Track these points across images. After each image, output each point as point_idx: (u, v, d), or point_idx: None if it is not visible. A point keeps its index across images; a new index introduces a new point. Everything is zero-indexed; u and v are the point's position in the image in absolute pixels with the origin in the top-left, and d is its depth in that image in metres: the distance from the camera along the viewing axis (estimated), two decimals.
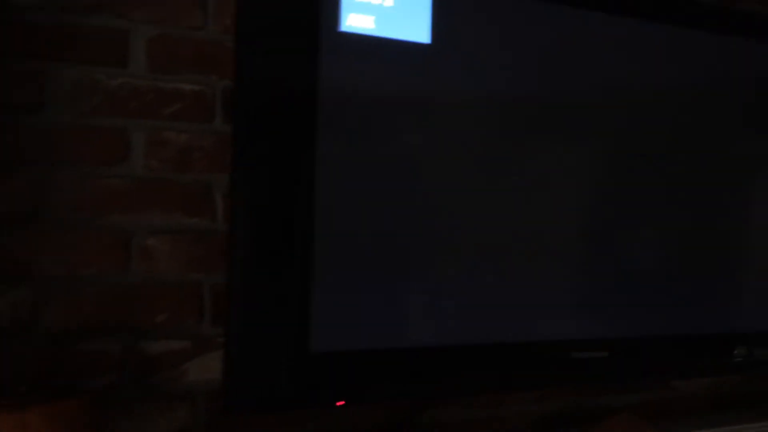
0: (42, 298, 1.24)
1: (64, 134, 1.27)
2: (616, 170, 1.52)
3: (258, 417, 1.34)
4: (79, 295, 1.27)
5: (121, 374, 1.29)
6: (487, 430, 1.60)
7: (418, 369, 1.30)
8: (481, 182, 1.37)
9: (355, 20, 1.23)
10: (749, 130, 1.67)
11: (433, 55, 1.30)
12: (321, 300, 1.20)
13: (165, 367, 1.32)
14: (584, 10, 1.41)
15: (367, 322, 1.26)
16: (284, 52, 1.17)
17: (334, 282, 1.22)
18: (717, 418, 1.75)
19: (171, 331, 1.33)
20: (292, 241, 1.19)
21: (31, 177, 1.25)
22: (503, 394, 1.61)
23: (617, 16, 1.46)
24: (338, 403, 1.21)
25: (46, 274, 1.25)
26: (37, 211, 1.25)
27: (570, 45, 1.42)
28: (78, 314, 1.27)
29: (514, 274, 1.40)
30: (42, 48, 1.26)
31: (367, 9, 1.24)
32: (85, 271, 1.27)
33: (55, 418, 1.02)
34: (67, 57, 1.28)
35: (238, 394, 1.17)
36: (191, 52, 1.36)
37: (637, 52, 1.51)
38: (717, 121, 1.62)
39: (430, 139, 1.31)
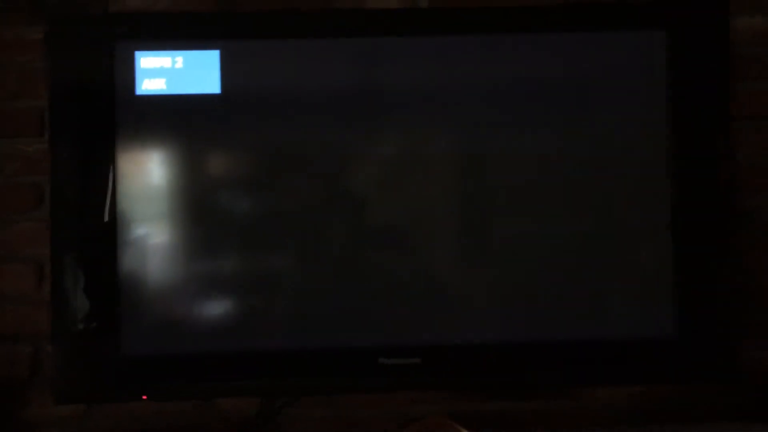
0: None
1: None
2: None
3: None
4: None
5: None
6: None
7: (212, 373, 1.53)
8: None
9: (149, 84, 1.51)
10: None
11: (223, 102, 1.53)
12: (128, 312, 1.50)
13: None
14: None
15: (171, 331, 1.52)
16: (90, 117, 1.50)
17: (138, 295, 1.52)
18: None
19: None
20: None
21: None
22: None
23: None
24: (143, 397, 1.50)
25: None
26: None
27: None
28: None
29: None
30: None
31: (159, 73, 1.51)
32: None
33: None
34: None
35: (64, 387, 1.51)
36: None
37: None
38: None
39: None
